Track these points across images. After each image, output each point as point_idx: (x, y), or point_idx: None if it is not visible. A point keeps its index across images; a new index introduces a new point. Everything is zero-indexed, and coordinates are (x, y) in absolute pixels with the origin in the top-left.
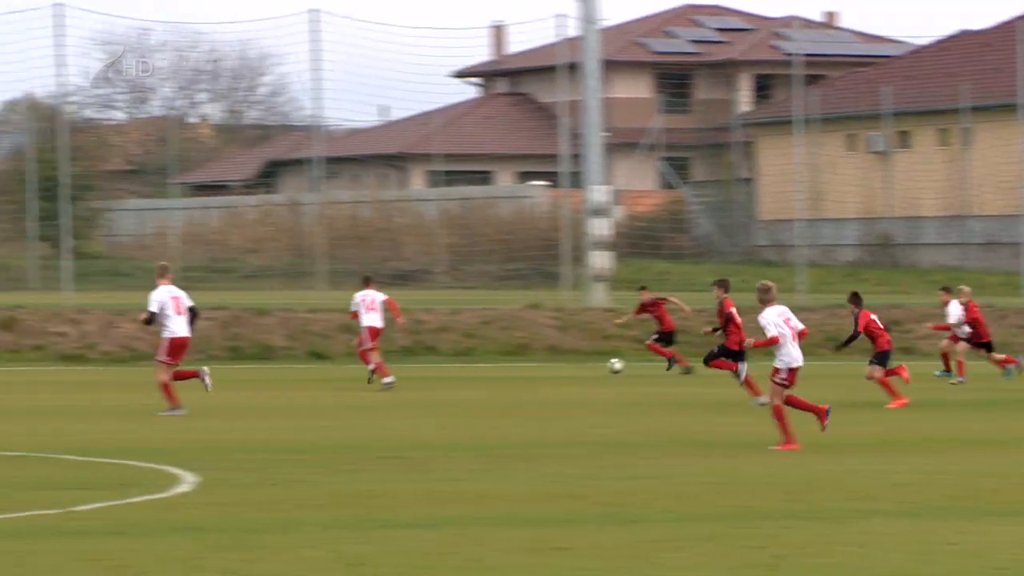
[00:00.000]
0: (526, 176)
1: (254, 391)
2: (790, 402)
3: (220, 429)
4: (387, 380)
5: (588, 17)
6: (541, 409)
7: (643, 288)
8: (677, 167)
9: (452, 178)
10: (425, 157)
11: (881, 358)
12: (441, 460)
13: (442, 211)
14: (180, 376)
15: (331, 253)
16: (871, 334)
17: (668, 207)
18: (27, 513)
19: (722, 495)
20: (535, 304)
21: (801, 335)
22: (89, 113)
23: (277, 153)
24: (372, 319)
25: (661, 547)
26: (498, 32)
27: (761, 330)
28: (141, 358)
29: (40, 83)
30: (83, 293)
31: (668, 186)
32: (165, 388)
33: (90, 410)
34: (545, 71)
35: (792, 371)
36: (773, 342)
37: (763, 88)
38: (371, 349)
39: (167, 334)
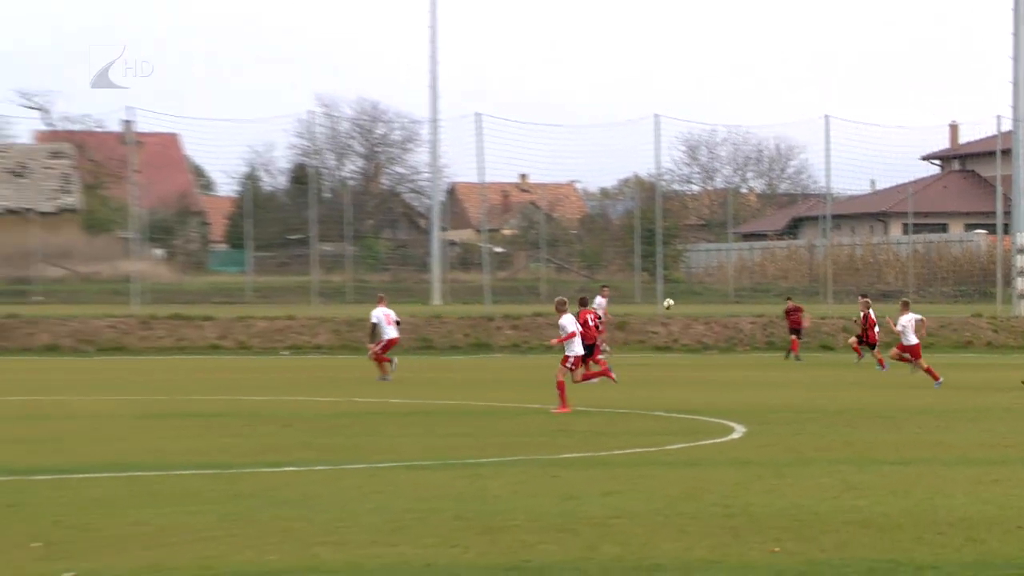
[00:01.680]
0: (971, 227)
1: (782, 371)
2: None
3: (760, 396)
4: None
5: (1019, 117)
6: (982, 386)
7: (789, 299)
8: None
9: (919, 228)
10: (901, 215)
11: (587, 349)
12: (910, 419)
13: (912, 251)
14: (379, 359)
15: (835, 279)
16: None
17: None
18: (634, 450)
19: None
20: (977, 314)
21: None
22: (675, 186)
23: (799, 212)
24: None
25: None
26: (953, 128)
27: (560, 330)
28: (710, 348)
29: (642, 166)
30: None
31: None
32: (377, 359)
33: (676, 381)
34: (986, 155)
35: (577, 358)
36: (572, 336)
37: None
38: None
39: (384, 337)
